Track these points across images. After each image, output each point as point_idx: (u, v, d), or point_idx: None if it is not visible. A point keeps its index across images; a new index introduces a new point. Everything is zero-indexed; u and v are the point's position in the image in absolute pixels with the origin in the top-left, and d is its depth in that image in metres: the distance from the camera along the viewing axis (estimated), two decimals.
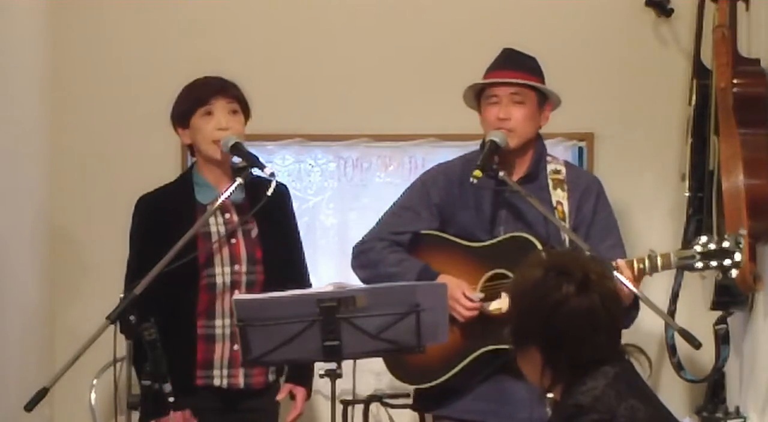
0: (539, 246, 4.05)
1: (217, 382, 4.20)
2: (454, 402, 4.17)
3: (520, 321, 2.95)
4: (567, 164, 4.34)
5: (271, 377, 4.28)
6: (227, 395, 4.21)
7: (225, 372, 4.20)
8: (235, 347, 4.16)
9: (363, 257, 4.28)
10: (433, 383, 4.16)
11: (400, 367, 4.23)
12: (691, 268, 4.04)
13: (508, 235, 4.15)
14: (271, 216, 4.21)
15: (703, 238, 4.00)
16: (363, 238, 4.33)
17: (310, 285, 4.35)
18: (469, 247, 4.19)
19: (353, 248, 4.34)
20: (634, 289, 3.93)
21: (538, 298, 2.90)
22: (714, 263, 3.98)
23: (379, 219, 4.35)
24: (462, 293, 4.08)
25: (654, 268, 4.03)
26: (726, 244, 3.97)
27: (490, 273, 4.12)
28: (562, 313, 2.86)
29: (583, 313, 2.86)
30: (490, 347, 4.04)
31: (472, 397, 4.15)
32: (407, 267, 4.16)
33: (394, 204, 4.36)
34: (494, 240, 4.17)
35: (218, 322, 4.19)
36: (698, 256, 3.98)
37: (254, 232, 4.25)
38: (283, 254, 4.30)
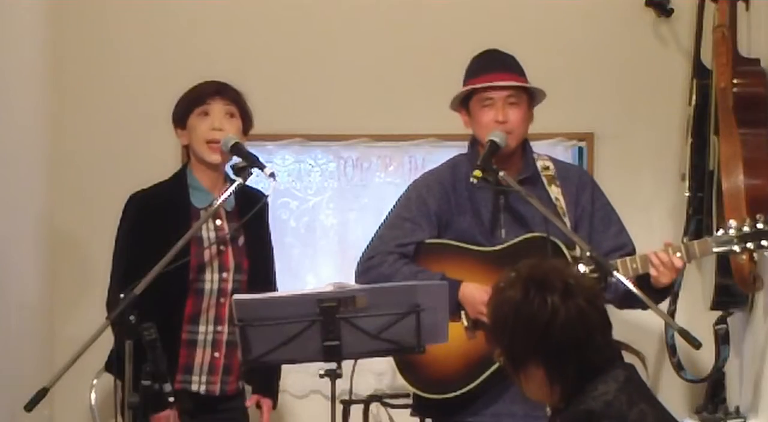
0: (560, 245, 4.05)
1: (194, 387, 4.21)
2: (465, 406, 4.13)
3: (514, 343, 2.90)
4: (552, 159, 4.34)
5: (241, 384, 4.31)
6: (201, 399, 4.22)
7: (204, 378, 4.21)
8: (216, 354, 4.21)
9: (374, 272, 4.18)
10: (459, 392, 4.10)
11: (420, 377, 4.16)
12: (729, 252, 4.07)
13: (526, 236, 4.13)
14: (254, 225, 4.22)
15: (733, 222, 4.04)
16: (367, 254, 4.24)
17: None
18: (483, 252, 4.16)
19: (359, 264, 4.25)
20: (634, 289, 3.93)
21: (528, 318, 2.85)
22: (751, 245, 4.02)
23: (378, 233, 4.27)
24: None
25: (692, 255, 4.08)
26: (761, 225, 4.00)
27: None
28: (557, 327, 2.83)
29: (575, 320, 2.84)
30: None
31: (484, 399, 4.11)
32: (424, 278, 4.08)
33: (390, 216, 4.29)
34: (509, 243, 4.14)
35: (201, 328, 4.20)
36: (735, 240, 4.01)
37: (241, 240, 4.26)
38: (263, 265, 4.33)
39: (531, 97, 4.23)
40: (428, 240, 4.21)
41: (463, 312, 4.12)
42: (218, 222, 4.23)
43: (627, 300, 4.02)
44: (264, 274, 4.33)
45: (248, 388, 4.38)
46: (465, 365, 4.10)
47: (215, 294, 4.20)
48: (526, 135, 4.24)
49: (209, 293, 4.19)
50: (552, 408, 2.98)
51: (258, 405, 4.33)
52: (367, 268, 4.22)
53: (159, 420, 4.00)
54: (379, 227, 4.29)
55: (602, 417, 2.78)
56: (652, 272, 4.04)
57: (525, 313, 2.86)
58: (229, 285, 4.21)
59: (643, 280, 4.05)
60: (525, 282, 2.88)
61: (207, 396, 4.22)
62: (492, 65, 4.22)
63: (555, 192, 4.22)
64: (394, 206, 4.31)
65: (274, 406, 4.36)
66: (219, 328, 4.20)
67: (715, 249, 4.07)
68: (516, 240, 4.14)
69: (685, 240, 4.07)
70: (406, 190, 4.34)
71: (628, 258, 4.08)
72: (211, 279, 4.19)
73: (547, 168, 4.26)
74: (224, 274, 4.21)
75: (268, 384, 4.33)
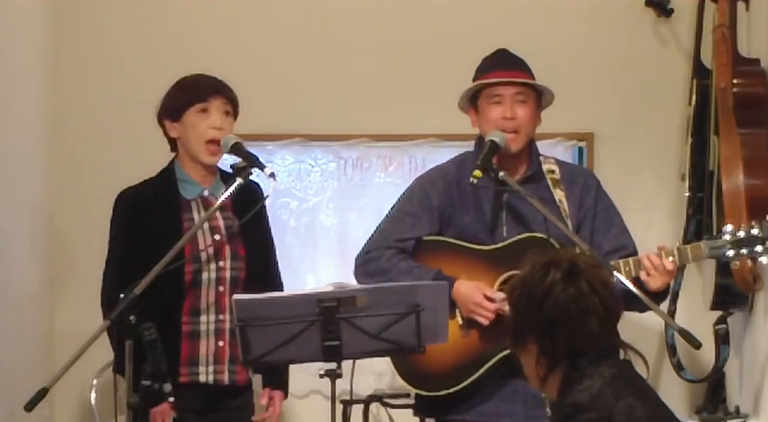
0: (555, 245, 4.05)
1: (202, 378, 4.21)
2: (465, 405, 4.13)
3: (515, 318, 2.98)
4: (558, 162, 4.35)
5: (250, 374, 4.31)
6: (210, 393, 4.22)
7: (211, 368, 4.22)
8: (220, 343, 4.22)
9: (372, 265, 4.20)
10: (452, 390, 4.10)
11: (413, 374, 4.17)
12: (723, 257, 4.07)
13: (523, 236, 4.14)
14: (249, 214, 4.21)
15: (729, 227, 4.04)
16: (366, 247, 4.26)
17: (282, 287, 4.37)
18: (480, 251, 4.16)
19: (357, 257, 4.27)
20: (634, 289, 3.94)
21: (528, 291, 2.93)
22: (745, 251, 4.02)
23: (379, 227, 4.29)
24: (483, 295, 4.06)
25: (684, 260, 4.08)
26: (755, 231, 4.00)
27: (506, 275, 4.08)
28: (550, 301, 2.89)
29: (570, 299, 2.89)
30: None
31: (483, 398, 4.11)
32: (419, 274, 4.10)
33: (392, 209, 4.30)
34: (507, 242, 4.15)
35: (203, 318, 4.21)
36: (729, 245, 4.01)
37: (235, 229, 4.26)
38: (262, 253, 4.34)
39: (539, 98, 4.23)
40: (427, 238, 4.22)
41: (457, 310, 4.12)
42: None
43: (624, 301, 4.01)
44: (263, 262, 4.33)
45: (256, 377, 4.38)
46: (460, 363, 4.10)
47: (213, 283, 4.21)
48: (533, 135, 4.24)
49: (207, 283, 4.20)
50: (552, 408, 3.00)
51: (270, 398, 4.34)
52: (365, 261, 4.24)
53: (156, 414, 4.00)
54: (382, 220, 4.31)
55: (588, 409, 2.81)
56: (642, 275, 4.03)
57: (527, 287, 2.93)
58: (227, 274, 4.22)
59: (639, 286, 4.04)
60: (536, 260, 2.97)
61: (216, 386, 4.22)
62: (502, 63, 4.22)
63: (559, 195, 4.22)
64: (398, 200, 4.33)
65: (286, 395, 4.38)
66: (221, 317, 4.22)
67: (708, 254, 4.07)
68: (513, 239, 4.15)
69: (678, 243, 4.06)
70: (411, 185, 4.35)
71: (621, 261, 4.08)
72: (208, 269, 4.20)
73: (552, 171, 4.26)
74: (221, 263, 4.22)
75: (277, 376, 4.33)
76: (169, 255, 3.90)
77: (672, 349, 5.28)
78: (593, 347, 2.90)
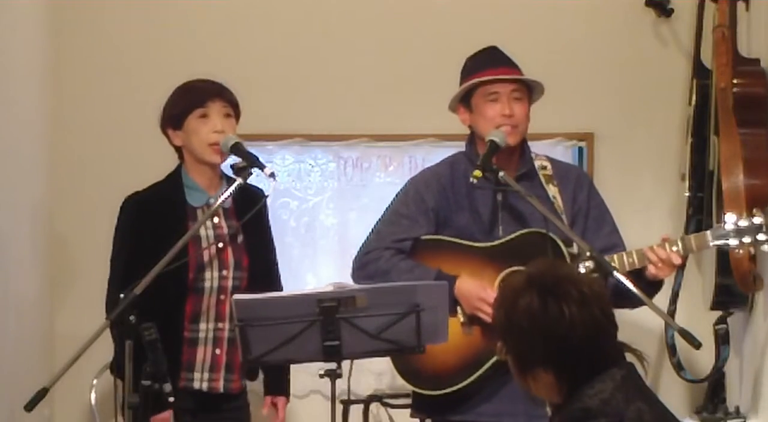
0: (558, 242, 4.05)
1: (197, 385, 4.21)
2: (465, 405, 4.13)
3: (525, 350, 2.88)
4: (549, 159, 4.35)
5: (244, 382, 4.32)
6: (204, 397, 4.23)
7: (206, 375, 4.22)
8: (217, 351, 4.22)
9: (371, 267, 4.20)
10: (453, 388, 4.10)
11: (413, 371, 4.16)
12: (727, 246, 4.09)
13: (523, 231, 4.14)
14: (253, 222, 4.21)
15: (731, 216, 4.04)
16: (363, 249, 4.26)
17: (281, 289, 4.37)
18: (480, 248, 4.16)
19: (355, 260, 4.26)
20: (634, 289, 3.93)
21: (544, 329, 2.83)
22: (748, 239, 4.04)
23: (374, 229, 4.29)
24: (488, 292, 4.06)
25: (689, 249, 4.10)
26: (757, 220, 4.01)
27: (507, 271, 4.09)
28: (573, 339, 2.82)
29: (589, 329, 2.82)
30: None
31: (484, 398, 4.11)
32: (420, 274, 4.10)
33: (387, 212, 4.30)
34: (507, 238, 4.15)
35: (202, 326, 4.21)
36: (732, 234, 4.03)
37: (240, 238, 4.26)
38: (264, 261, 4.34)
39: (530, 95, 4.24)
40: (424, 237, 4.22)
41: (459, 308, 4.12)
42: (216, 220, 4.24)
43: (619, 298, 4.01)
44: (265, 271, 4.33)
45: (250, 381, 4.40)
46: (462, 361, 4.10)
47: (215, 292, 4.20)
48: (527, 131, 4.25)
49: (209, 291, 4.20)
50: (552, 408, 2.98)
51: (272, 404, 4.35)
52: (364, 263, 4.23)
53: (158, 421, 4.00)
54: (377, 223, 4.30)
55: (599, 415, 2.78)
56: (651, 269, 4.05)
57: (541, 324, 2.83)
58: (229, 283, 4.22)
59: (635, 273, 4.05)
60: (539, 291, 2.85)
61: (210, 394, 4.23)
62: (495, 60, 4.22)
63: (552, 190, 4.23)
64: (391, 202, 4.32)
65: (288, 400, 4.38)
66: (220, 325, 4.21)
67: (712, 243, 4.08)
68: (512, 236, 4.15)
69: (682, 234, 4.07)
70: (404, 187, 4.34)
71: (624, 253, 4.09)
72: (210, 278, 4.20)
73: (544, 167, 4.27)
74: (224, 272, 4.22)
75: (278, 383, 4.35)
76: (170, 254, 3.89)
77: (672, 349, 5.28)
78: (605, 357, 2.88)
